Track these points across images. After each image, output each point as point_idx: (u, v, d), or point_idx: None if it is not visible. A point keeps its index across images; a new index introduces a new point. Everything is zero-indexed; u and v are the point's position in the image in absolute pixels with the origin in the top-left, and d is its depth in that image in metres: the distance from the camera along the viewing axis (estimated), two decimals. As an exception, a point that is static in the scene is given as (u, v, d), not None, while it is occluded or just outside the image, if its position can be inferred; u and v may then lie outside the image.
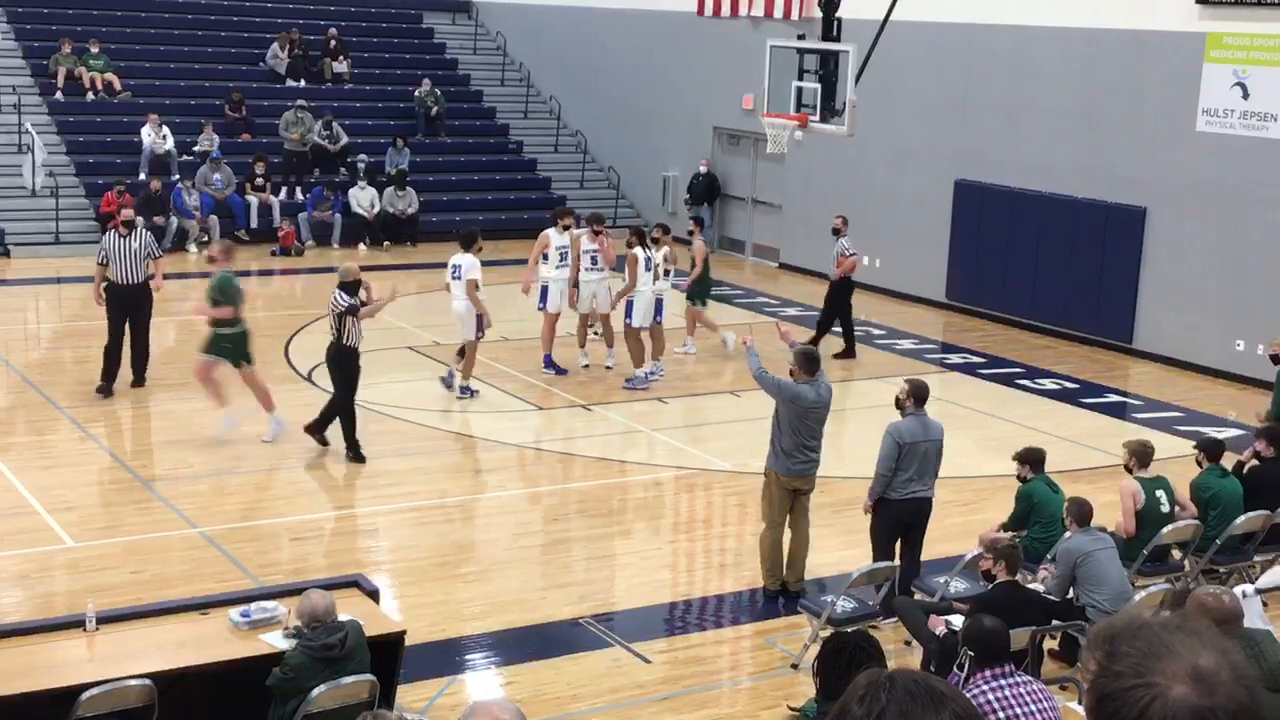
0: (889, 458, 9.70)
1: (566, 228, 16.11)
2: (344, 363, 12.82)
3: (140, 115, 24.08)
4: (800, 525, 10.39)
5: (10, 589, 10.03)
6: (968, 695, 5.72)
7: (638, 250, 15.68)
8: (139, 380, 14.76)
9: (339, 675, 6.96)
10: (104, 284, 14.57)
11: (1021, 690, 6.27)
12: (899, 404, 9.97)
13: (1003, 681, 6.28)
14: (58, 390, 14.81)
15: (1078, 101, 18.83)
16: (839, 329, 17.63)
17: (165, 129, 23.94)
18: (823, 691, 6.16)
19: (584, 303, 16.17)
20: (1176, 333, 17.87)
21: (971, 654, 6.45)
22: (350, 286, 12.64)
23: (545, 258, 16.09)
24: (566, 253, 15.95)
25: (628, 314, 15.68)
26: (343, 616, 7.19)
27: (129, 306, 14.50)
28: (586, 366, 16.32)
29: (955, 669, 6.77)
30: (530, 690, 8.69)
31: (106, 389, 14.46)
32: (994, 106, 19.95)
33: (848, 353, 17.57)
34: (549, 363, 16.10)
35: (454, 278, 14.70)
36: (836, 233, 17.68)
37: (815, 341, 17.00)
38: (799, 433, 10.02)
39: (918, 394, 9.87)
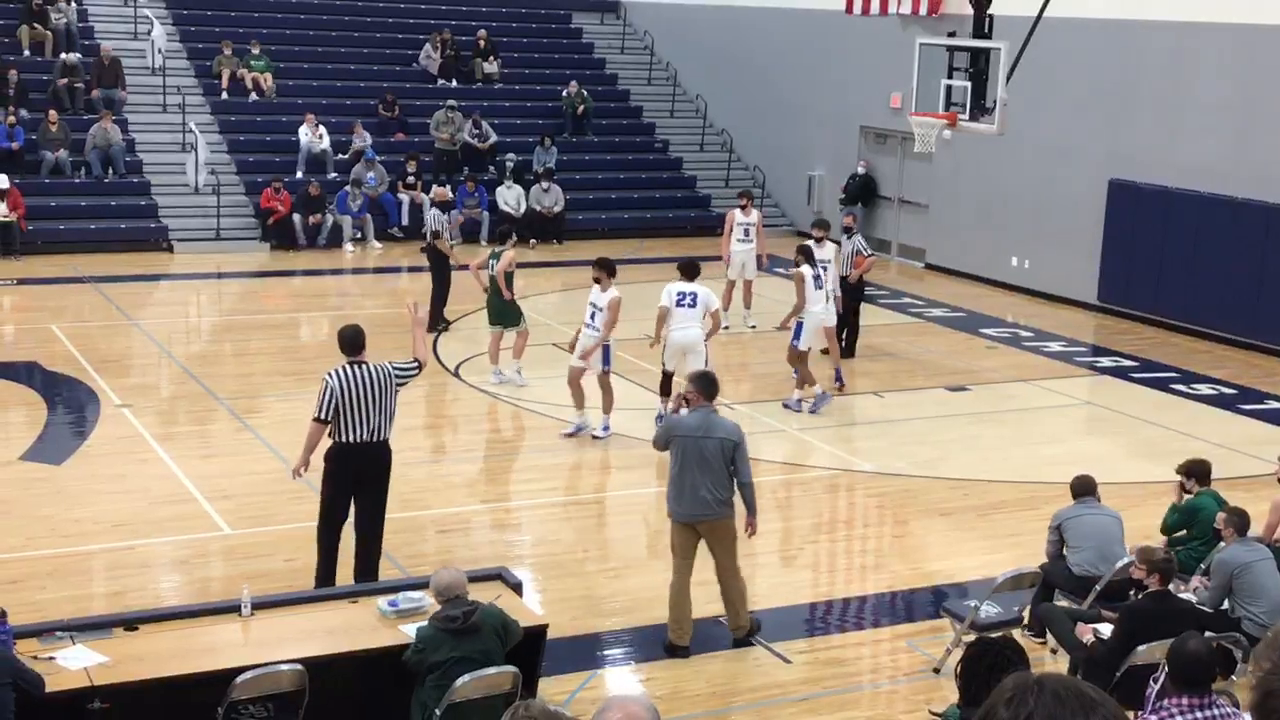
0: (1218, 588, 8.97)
1: (744, 208, 18.52)
2: None
3: (298, 115, 24.73)
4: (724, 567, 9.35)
5: (170, 574, 10.40)
6: (1156, 717, 5.51)
7: (805, 269, 14.88)
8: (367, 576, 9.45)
9: (467, 649, 7.11)
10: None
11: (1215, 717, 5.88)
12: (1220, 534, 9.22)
13: (1199, 714, 5.87)
14: (217, 382, 15.28)
15: (1237, 99, 18.26)
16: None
17: (321, 128, 24.54)
18: (965, 697, 6.07)
19: (734, 269, 18.42)
20: (1342, 338, 17.24)
21: (1171, 674, 6.08)
22: None
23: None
24: (749, 229, 18.48)
25: (795, 336, 14.92)
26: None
27: (368, 474, 9.47)
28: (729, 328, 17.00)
29: (1151, 681, 6.47)
30: (669, 687, 8.74)
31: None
32: (1150, 104, 19.45)
33: (848, 353, 16.79)
34: None
35: (689, 305, 13.73)
36: (848, 231, 17.04)
37: (849, 354, 16.69)
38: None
39: (1239, 525, 9.00)
